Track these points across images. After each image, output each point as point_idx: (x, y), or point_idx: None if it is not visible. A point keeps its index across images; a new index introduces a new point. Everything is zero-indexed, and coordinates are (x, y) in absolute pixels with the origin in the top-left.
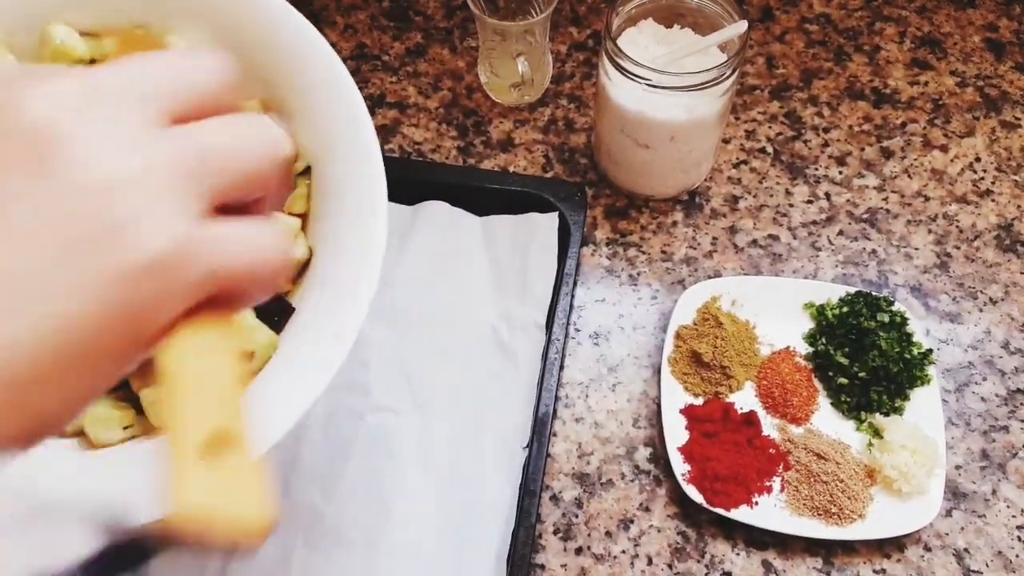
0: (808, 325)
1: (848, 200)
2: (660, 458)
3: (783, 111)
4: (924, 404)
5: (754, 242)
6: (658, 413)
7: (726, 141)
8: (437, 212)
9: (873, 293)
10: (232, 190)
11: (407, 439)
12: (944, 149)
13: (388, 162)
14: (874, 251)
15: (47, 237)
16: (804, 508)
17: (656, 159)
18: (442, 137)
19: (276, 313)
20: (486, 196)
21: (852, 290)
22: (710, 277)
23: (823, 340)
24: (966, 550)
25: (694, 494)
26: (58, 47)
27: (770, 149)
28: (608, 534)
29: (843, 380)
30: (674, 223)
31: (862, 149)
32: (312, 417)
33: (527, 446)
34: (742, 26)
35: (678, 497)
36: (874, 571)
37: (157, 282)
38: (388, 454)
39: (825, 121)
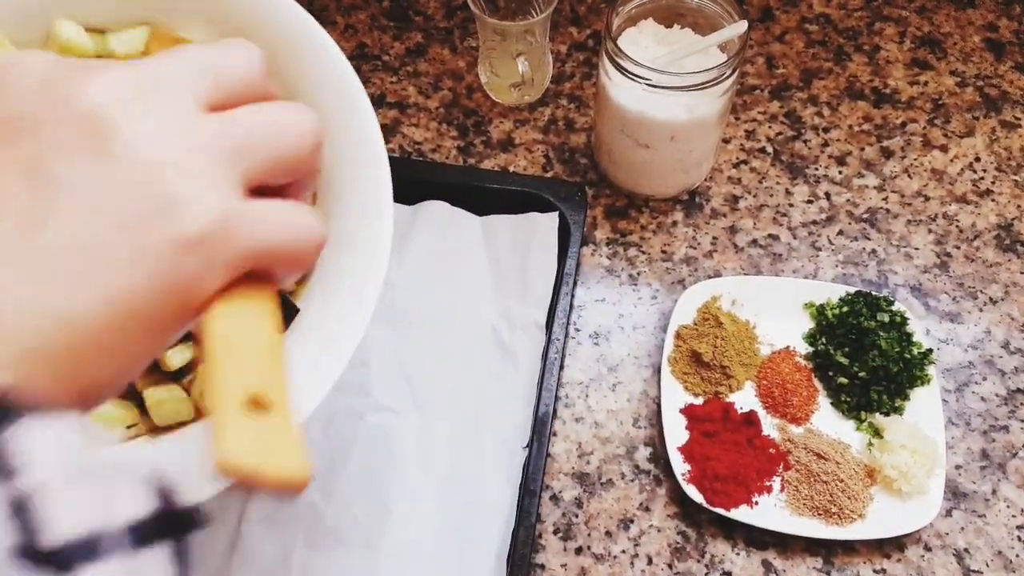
0: (808, 325)
1: (848, 200)
2: (660, 458)
3: (783, 111)
4: (924, 404)
5: (754, 242)
6: (658, 413)
7: (726, 141)
8: (437, 212)
9: (873, 293)
10: (268, 171)
11: (407, 439)
12: (944, 149)
13: (388, 162)
14: (874, 251)
15: (108, 213)
16: (804, 508)
17: (656, 159)
18: (442, 137)
19: (281, 313)
20: (486, 196)
21: (852, 290)
22: (710, 277)
23: (823, 340)
24: (966, 550)
25: (694, 494)
26: (65, 44)
27: (770, 149)
28: (608, 534)
29: (843, 380)
30: (674, 223)
31: (862, 149)
32: (312, 417)
33: (527, 446)
34: (742, 26)
35: (678, 497)
36: (874, 571)
37: (203, 254)
38: (388, 454)
39: (825, 121)
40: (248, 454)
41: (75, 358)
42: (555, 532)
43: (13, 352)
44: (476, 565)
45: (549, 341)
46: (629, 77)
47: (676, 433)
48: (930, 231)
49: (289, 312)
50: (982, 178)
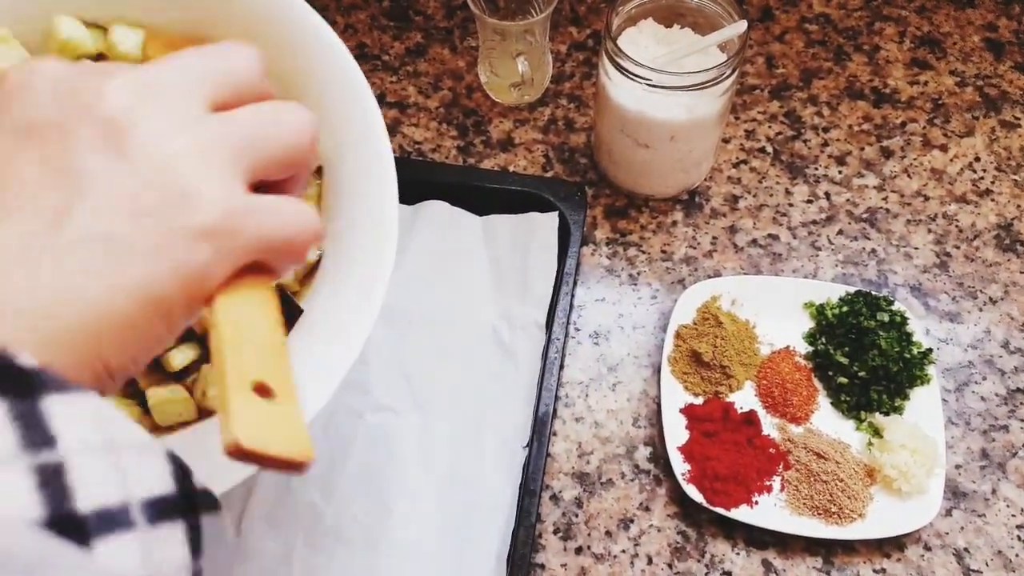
0: (808, 324)
1: (848, 200)
2: (660, 458)
3: (783, 111)
4: (924, 404)
5: (754, 242)
6: (658, 413)
7: (726, 141)
8: (437, 212)
9: (873, 293)
10: (269, 167)
11: (407, 439)
12: (944, 149)
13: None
14: (874, 251)
15: (126, 207)
16: (804, 507)
17: (656, 159)
18: (442, 137)
19: (284, 314)
20: (486, 196)
21: (852, 290)
22: (710, 277)
23: (823, 339)
24: (966, 549)
25: (694, 494)
26: (65, 42)
27: (770, 149)
28: (608, 534)
29: (843, 379)
30: (674, 223)
31: (862, 149)
32: (313, 416)
33: (527, 446)
34: (742, 26)
35: (678, 497)
36: (874, 571)
37: (215, 244)
38: (388, 454)
39: (825, 121)
40: (257, 432)
41: (98, 343)
42: (555, 532)
43: (43, 336)
44: (476, 565)
45: (549, 341)
46: (629, 77)
47: (676, 433)
48: (930, 231)
49: (292, 312)
50: (982, 178)
